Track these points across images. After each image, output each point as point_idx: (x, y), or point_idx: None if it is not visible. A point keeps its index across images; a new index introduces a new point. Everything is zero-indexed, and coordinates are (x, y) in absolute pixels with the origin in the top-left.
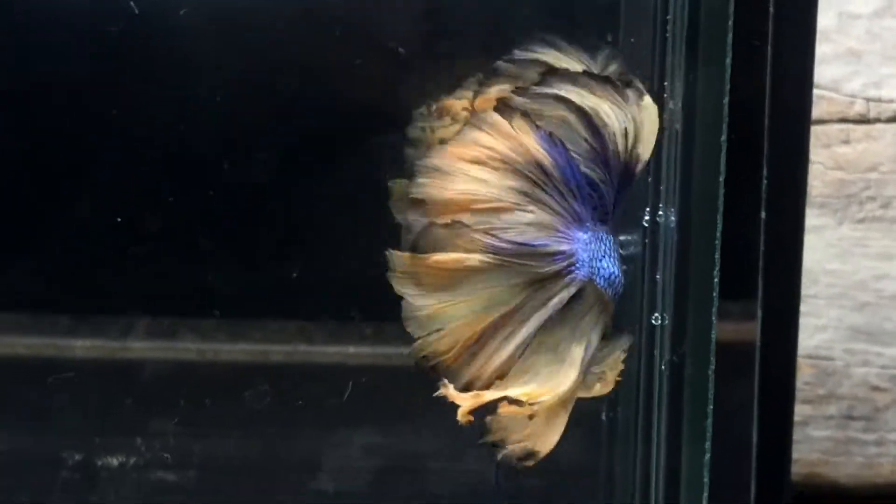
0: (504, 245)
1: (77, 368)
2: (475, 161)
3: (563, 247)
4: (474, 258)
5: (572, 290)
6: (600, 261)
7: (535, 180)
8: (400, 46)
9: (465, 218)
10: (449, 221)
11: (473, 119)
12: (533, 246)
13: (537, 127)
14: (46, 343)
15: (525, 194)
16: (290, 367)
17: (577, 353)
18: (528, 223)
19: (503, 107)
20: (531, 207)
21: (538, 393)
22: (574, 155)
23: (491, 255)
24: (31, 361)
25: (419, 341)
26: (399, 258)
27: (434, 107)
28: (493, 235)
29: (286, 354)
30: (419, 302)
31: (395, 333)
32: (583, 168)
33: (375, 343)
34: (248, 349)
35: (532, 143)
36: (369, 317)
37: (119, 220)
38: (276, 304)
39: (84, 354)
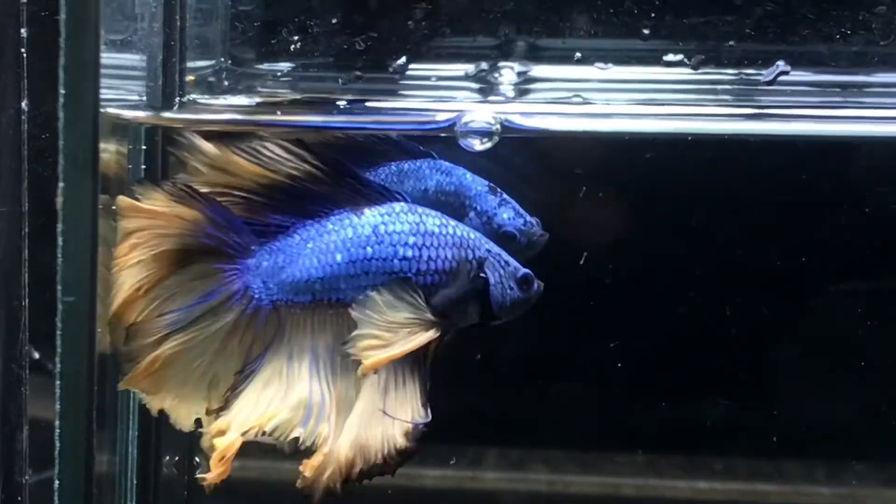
0: (177, 318)
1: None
2: (130, 249)
3: (234, 285)
4: (164, 352)
5: (270, 321)
6: (279, 274)
7: (181, 235)
8: None
9: (142, 309)
10: (126, 329)
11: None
12: (202, 302)
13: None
14: None
15: (179, 252)
16: (641, 502)
17: (302, 367)
18: (192, 278)
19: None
20: (193, 259)
21: (269, 414)
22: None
23: (175, 338)
24: None
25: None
26: (127, 382)
27: None
28: (163, 315)
29: (637, 488)
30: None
31: (746, 469)
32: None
33: (726, 479)
34: (598, 481)
35: (160, 205)
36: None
37: None
38: (626, 436)
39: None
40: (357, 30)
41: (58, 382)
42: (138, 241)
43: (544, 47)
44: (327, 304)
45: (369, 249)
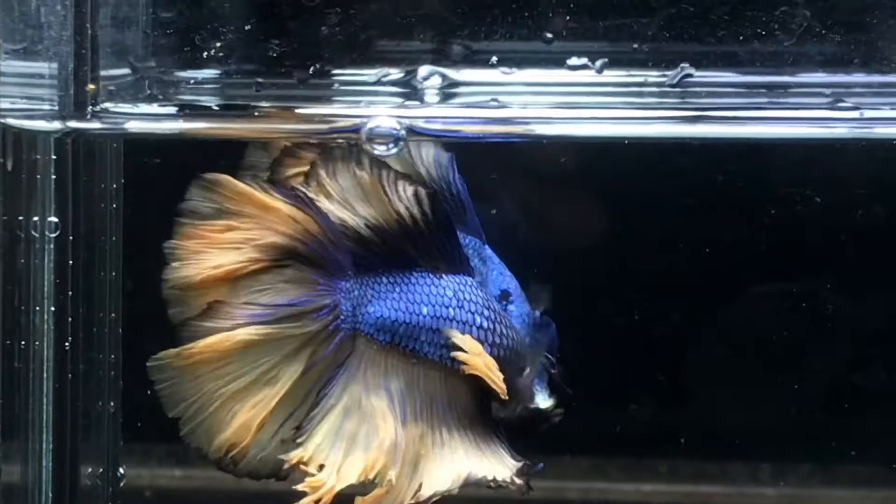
0: (262, 311)
1: None
2: (227, 230)
3: (326, 300)
4: (239, 334)
5: (343, 345)
6: (366, 305)
7: (291, 236)
8: None
9: (225, 292)
10: (206, 305)
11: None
12: (293, 305)
13: (284, 185)
14: None
15: (282, 250)
16: None
17: (381, 404)
18: (286, 280)
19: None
20: (289, 262)
21: (372, 460)
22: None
23: (254, 327)
24: None
25: (217, 440)
26: (168, 357)
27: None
28: (250, 304)
29: (582, 491)
30: (200, 397)
31: (690, 471)
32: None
33: (670, 481)
34: (543, 485)
35: (279, 202)
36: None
37: None
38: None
39: None
40: (272, 36)
41: None
42: (241, 225)
43: (467, 51)
44: (400, 351)
45: (451, 311)
